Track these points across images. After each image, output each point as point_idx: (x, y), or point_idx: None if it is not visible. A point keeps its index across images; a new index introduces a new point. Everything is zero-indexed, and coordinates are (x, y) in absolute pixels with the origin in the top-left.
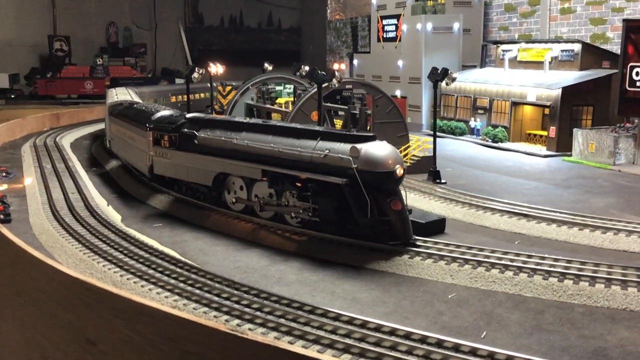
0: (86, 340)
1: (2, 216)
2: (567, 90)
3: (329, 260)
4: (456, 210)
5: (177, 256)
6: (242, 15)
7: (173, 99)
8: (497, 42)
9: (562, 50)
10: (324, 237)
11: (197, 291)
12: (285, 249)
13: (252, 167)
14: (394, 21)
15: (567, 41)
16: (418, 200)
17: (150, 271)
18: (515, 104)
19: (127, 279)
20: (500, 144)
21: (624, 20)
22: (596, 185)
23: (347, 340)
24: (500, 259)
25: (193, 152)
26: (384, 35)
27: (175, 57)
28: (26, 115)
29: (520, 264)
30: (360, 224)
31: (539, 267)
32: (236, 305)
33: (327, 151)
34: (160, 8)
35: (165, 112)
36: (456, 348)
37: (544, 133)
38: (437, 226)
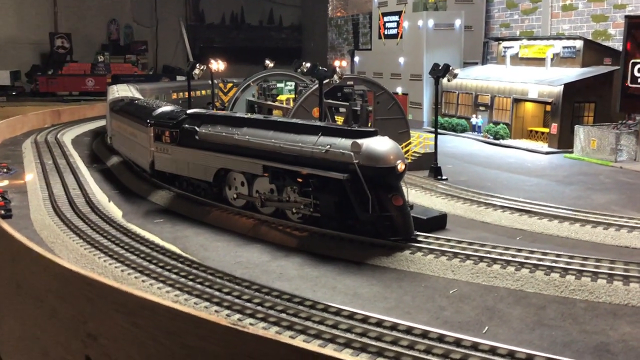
0: (87, 334)
1: (3, 212)
2: (568, 87)
3: (330, 255)
4: (457, 206)
5: (178, 251)
6: (243, 12)
7: (174, 96)
8: (499, 39)
9: (563, 47)
10: (325, 233)
11: (199, 286)
12: (287, 245)
13: (253, 162)
14: (396, 18)
15: (568, 38)
16: (419, 196)
17: (152, 266)
18: (516, 101)
19: (128, 274)
20: (501, 141)
21: (626, 17)
22: (598, 182)
23: (349, 335)
24: (501, 254)
25: (194, 148)
26: (385, 32)
27: (176, 54)
28: (27, 112)
29: (522, 260)
30: (361, 219)
31: (540, 262)
32: (237, 300)
33: (329, 146)
34: (162, 6)
35: (166, 108)
36: (458, 343)
37: (546, 130)
38: (438, 222)
